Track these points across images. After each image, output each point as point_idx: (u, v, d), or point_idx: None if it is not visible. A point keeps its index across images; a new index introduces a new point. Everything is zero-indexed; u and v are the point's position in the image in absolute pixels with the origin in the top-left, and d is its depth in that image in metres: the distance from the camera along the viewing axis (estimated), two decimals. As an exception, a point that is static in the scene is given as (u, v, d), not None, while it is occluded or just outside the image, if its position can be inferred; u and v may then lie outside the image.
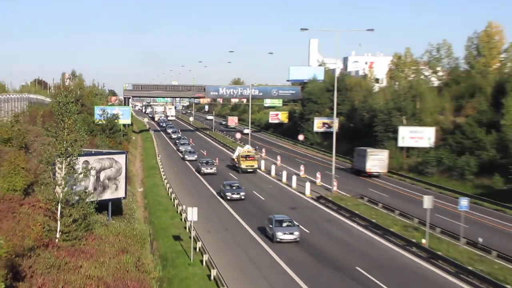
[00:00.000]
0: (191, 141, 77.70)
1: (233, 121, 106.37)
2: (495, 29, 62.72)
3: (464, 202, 27.28)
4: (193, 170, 53.00)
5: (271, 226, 28.00)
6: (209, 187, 44.52)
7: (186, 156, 61.10)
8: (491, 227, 33.83)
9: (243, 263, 24.63)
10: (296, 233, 27.12)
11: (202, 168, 49.43)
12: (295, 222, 28.44)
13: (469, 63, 64.91)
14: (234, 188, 39.04)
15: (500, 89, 51.24)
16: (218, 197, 39.70)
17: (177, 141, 75.79)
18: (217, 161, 55.82)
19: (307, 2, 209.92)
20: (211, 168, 49.76)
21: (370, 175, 50.35)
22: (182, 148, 66.68)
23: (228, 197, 37.70)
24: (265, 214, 32.33)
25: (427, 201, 26.51)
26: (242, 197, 37.67)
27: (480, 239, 27.37)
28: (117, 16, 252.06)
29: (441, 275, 22.65)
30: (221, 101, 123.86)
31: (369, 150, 50.33)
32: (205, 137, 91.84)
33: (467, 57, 65.21)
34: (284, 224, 28.07)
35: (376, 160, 49.76)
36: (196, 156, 59.67)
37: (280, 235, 26.65)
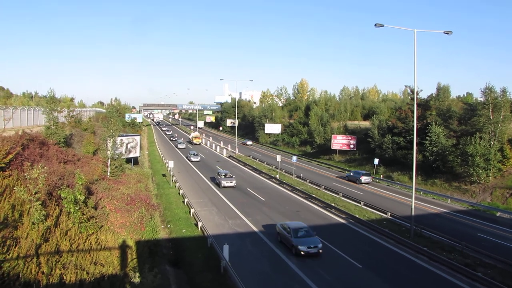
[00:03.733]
0: (170, 130, 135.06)
1: (179, 116, 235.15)
2: (304, 81, 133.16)
3: (294, 157, 51.97)
4: (173, 145, 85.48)
5: (219, 177, 43.06)
6: (181, 154, 68.28)
7: (170, 139, 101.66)
8: (306, 169, 58.18)
9: (193, 185, 43.17)
10: (184, 145, 51.04)
11: (178, 145, 79.74)
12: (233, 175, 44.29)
13: (295, 95, 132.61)
14: (195, 154, 63.70)
15: (308, 108, 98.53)
16: (186, 159, 63.07)
17: (164, 130, 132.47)
18: (182, 139, 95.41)
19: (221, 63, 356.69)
20: (182, 144, 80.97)
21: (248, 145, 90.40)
22: (168, 134, 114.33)
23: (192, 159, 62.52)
24: (204, 163, 58.06)
25: (279, 157, 50.37)
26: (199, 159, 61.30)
27: (302, 175, 50.40)
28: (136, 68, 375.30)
29: (285, 190, 42.24)
30: (183, 111, 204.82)
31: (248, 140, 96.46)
32: (176, 128, 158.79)
33: (294, 93, 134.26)
34: (227, 176, 43.39)
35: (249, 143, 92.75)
36: (177, 139, 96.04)
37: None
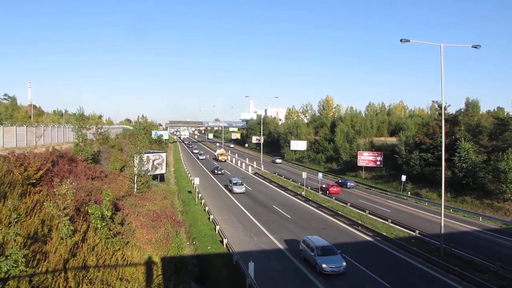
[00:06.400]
0: (196, 146, 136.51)
1: (204, 133, 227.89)
2: (330, 98, 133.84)
3: (320, 174, 51.67)
4: (201, 165, 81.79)
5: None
6: (204, 168, 71.78)
7: (195, 153, 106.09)
8: (334, 186, 58.15)
9: (219, 201, 42.96)
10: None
11: (234, 189, 65.17)
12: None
13: (320, 112, 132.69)
14: (219, 168, 67.27)
15: (333, 124, 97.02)
16: (210, 174, 64.46)
17: (190, 147, 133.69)
18: (208, 156, 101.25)
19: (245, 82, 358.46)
20: (239, 187, 78.41)
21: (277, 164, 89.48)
22: (195, 151, 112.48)
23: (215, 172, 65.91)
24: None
25: (304, 174, 50.06)
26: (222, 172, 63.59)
27: (327, 192, 50.91)
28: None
29: (310, 208, 41.71)
30: (209, 128, 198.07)
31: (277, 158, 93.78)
32: (202, 145, 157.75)
33: (319, 109, 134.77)
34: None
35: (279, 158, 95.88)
36: (204, 156, 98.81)
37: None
